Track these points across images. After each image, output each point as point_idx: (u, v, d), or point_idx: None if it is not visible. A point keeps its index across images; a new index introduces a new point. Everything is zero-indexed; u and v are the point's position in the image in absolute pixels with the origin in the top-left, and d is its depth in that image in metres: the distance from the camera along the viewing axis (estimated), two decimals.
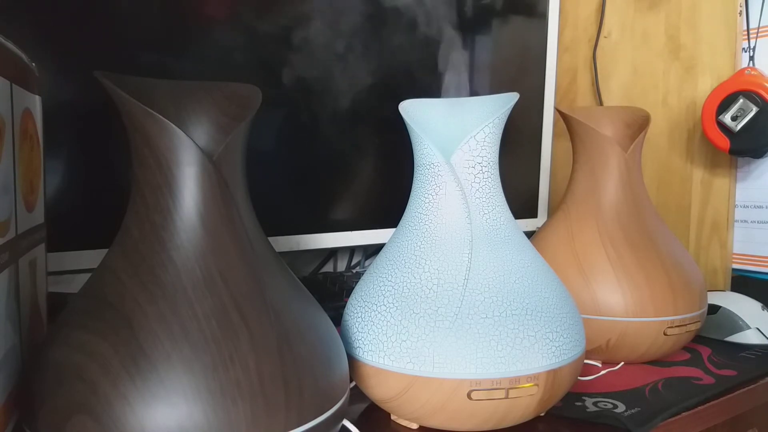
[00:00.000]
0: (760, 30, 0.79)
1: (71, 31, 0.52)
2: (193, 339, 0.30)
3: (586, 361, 0.57)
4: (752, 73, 0.75)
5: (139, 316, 0.31)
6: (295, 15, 0.66)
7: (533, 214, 0.93)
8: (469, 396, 0.38)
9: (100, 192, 0.55)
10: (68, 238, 0.53)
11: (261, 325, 0.32)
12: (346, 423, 0.40)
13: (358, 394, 0.45)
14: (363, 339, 0.42)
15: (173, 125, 0.33)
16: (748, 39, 0.79)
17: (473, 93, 0.83)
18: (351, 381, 0.40)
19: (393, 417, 0.44)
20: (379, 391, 0.41)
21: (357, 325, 0.42)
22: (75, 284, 0.55)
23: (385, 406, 0.43)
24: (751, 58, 0.79)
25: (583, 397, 0.48)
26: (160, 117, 0.32)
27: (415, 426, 0.43)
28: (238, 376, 0.30)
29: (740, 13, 0.80)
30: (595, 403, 0.47)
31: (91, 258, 0.54)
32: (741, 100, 0.74)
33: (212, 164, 0.34)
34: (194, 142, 0.33)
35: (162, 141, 0.33)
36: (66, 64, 0.52)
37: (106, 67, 0.54)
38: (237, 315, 0.32)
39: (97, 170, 0.54)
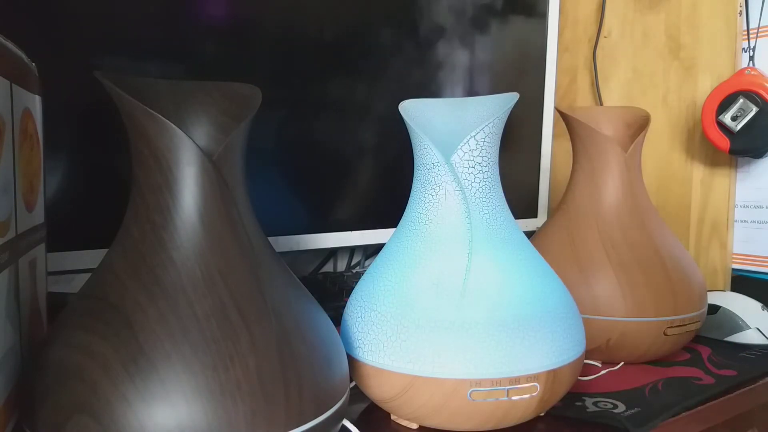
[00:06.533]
0: (760, 30, 0.79)
1: (71, 30, 0.52)
2: (193, 339, 0.30)
3: (586, 361, 0.57)
4: (752, 73, 0.75)
5: (139, 316, 0.31)
6: (295, 13, 0.66)
7: (533, 214, 0.93)
8: (469, 396, 0.38)
9: (100, 192, 0.55)
10: (68, 238, 0.53)
11: (261, 325, 0.32)
12: (346, 423, 0.40)
13: (358, 394, 0.45)
14: (363, 339, 0.42)
15: (173, 125, 0.33)
16: (748, 39, 0.79)
17: (473, 93, 0.83)
18: (351, 381, 0.40)
19: (393, 417, 0.44)
20: (379, 391, 0.41)
21: (357, 325, 0.42)
22: (75, 284, 0.55)
23: (385, 406, 0.43)
24: (751, 58, 0.78)
25: (583, 397, 0.48)
26: (160, 117, 0.32)
27: (414, 426, 0.43)
28: (238, 376, 0.30)
29: (740, 13, 0.80)
30: (595, 403, 0.47)
31: (91, 258, 0.54)
32: (741, 100, 0.74)
33: (212, 164, 0.34)
34: (194, 141, 0.33)
35: (162, 141, 0.33)
36: (66, 64, 0.52)
37: (107, 66, 0.54)
38: (237, 315, 0.32)
39: (97, 170, 0.54)
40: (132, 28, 0.55)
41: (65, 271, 0.52)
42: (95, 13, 0.53)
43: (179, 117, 0.36)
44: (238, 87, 0.38)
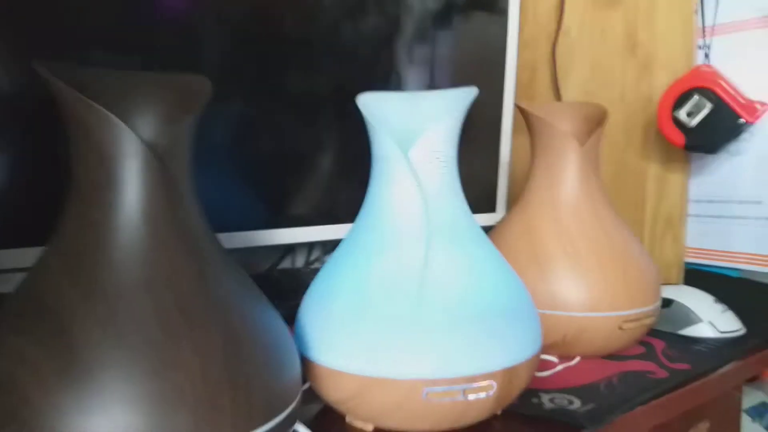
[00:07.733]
0: (715, 28, 0.80)
1: (14, 20, 0.49)
2: (133, 343, 0.29)
3: (542, 356, 0.57)
4: (707, 70, 0.77)
5: (75, 318, 0.29)
6: (249, 3, 0.64)
7: (492, 209, 0.93)
8: (424, 396, 0.38)
9: (38, 187, 0.52)
10: (4, 235, 0.50)
11: (206, 327, 0.31)
12: (298, 427, 0.39)
13: (313, 396, 0.44)
14: (316, 339, 0.40)
15: (114, 116, 0.31)
16: (704, 37, 0.81)
17: (433, 87, 0.82)
18: (305, 382, 0.39)
19: (348, 419, 0.43)
20: (334, 393, 0.40)
21: (310, 325, 0.41)
22: (13, 284, 0.52)
23: (340, 408, 0.42)
24: (707, 56, 0.80)
25: (540, 394, 0.48)
26: (99, 107, 0.31)
27: (370, 427, 0.42)
28: (181, 381, 0.29)
29: (696, 11, 0.81)
30: (551, 400, 0.47)
31: (29, 256, 0.51)
32: (696, 97, 0.75)
33: (157, 158, 0.32)
34: (137, 134, 0.32)
35: (102, 133, 0.31)
36: (7, 54, 0.49)
37: (52, 57, 0.51)
38: (180, 317, 0.30)
39: (36, 164, 0.52)
40: (81, 17, 0.53)
41: (2, 270, 0.50)
42: (39, 1, 0.50)
43: (123, 108, 0.34)
44: (187, 78, 0.37)
